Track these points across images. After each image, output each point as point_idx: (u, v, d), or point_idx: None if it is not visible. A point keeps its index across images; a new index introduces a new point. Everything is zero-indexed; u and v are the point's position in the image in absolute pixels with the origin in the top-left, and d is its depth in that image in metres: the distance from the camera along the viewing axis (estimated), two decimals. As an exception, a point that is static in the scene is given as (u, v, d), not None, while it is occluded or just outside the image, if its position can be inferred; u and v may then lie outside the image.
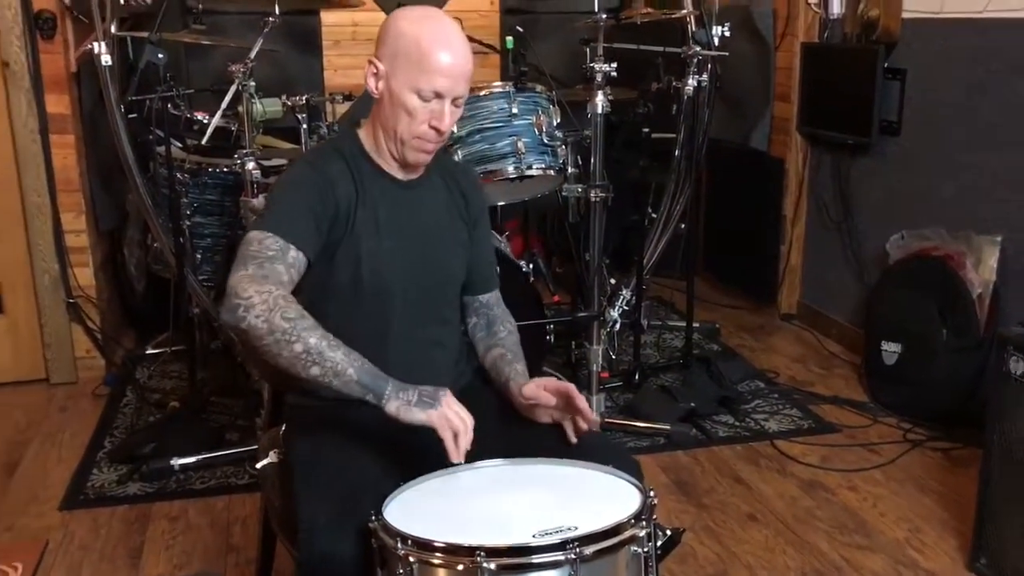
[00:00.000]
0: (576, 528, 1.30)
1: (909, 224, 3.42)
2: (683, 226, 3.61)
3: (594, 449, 1.63)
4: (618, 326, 3.47)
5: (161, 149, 3.07)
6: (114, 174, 3.54)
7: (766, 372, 3.64)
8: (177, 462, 2.84)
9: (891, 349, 3.29)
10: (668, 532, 1.47)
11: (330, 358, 1.50)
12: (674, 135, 3.57)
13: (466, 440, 1.49)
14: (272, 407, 2.11)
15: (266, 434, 1.99)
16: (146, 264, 3.77)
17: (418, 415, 1.49)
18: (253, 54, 2.79)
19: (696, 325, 3.76)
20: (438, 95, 1.64)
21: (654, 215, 3.62)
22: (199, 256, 3.40)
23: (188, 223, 3.30)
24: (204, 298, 3.28)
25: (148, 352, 3.72)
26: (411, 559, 1.29)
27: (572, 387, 1.67)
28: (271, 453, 1.87)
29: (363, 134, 1.77)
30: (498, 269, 1.99)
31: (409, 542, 1.30)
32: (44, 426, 3.21)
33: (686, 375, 3.49)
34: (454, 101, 1.67)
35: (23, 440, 3.11)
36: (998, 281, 3.04)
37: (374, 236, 1.71)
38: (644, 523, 1.35)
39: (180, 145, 3.38)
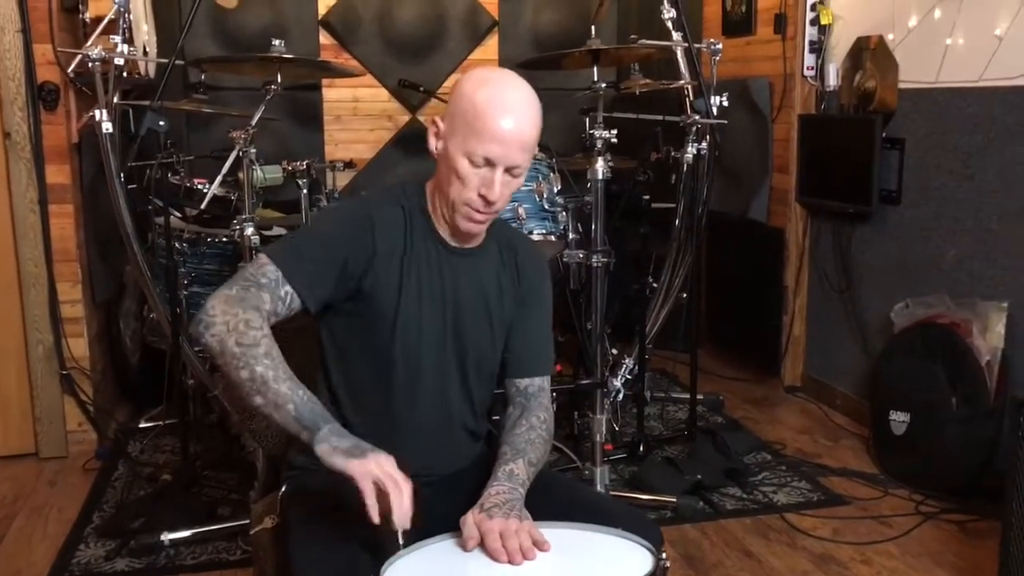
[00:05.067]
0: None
1: (912, 292, 3.40)
2: (684, 296, 3.57)
3: (609, 512, 1.56)
4: (621, 396, 3.40)
5: (160, 219, 3.06)
6: (112, 245, 3.51)
7: (772, 444, 3.56)
8: (167, 537, 2.74)
9: (899, 419, 3.23)
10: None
11: (273, 389, 1.45)
12: (674, 205, 3.56)
13: (400, 502, 1.37)
14: (267, 475, 2.06)
15: (261, 501, 1.92)
16: (141, 336, 3.73)
17: (338, 462, 1.40)
18: (255, 120, 2.79)
19: (700, 397, 3.70)
20: (489, 162, 1.56)
21: (655, 285, 3.59)
22: (195, 327, 3.35)
23: (185, 293, 3.27)
24: (200, 369, 3.21)
25: (141, 426, 3.64)
26: (411, 625, 1.22)
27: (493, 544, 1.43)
28: (266, 519, 1.80)
29: (429, 189, 1.70)
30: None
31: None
32: (31, 500, 3.12)
33: (691, 447, 3.42)
34: (509, 171, 1.57)
35: (7, 515, 3.01)
36: (1006, 347, 3.00)
37: (413, 300, 1.64)
38: (657, 584, 1.29)
39: (179, 215, 3.37)
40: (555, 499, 1.61)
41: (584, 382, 3.04)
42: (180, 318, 3.12)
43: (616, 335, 3.65)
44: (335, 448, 1.41)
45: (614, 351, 3.49)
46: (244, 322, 1.47)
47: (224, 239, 3.29)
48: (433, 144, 1.63)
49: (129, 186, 3.16)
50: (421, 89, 4.07)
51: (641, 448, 3.30)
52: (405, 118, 4.71)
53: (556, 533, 1.46)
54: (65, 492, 3.18)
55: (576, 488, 1.84)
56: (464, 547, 1.42)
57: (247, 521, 2.40)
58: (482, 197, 1.57)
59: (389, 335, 1.63)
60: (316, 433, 1.42)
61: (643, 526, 1.51)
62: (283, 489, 1.79)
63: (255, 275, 1.55)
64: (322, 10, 4.52)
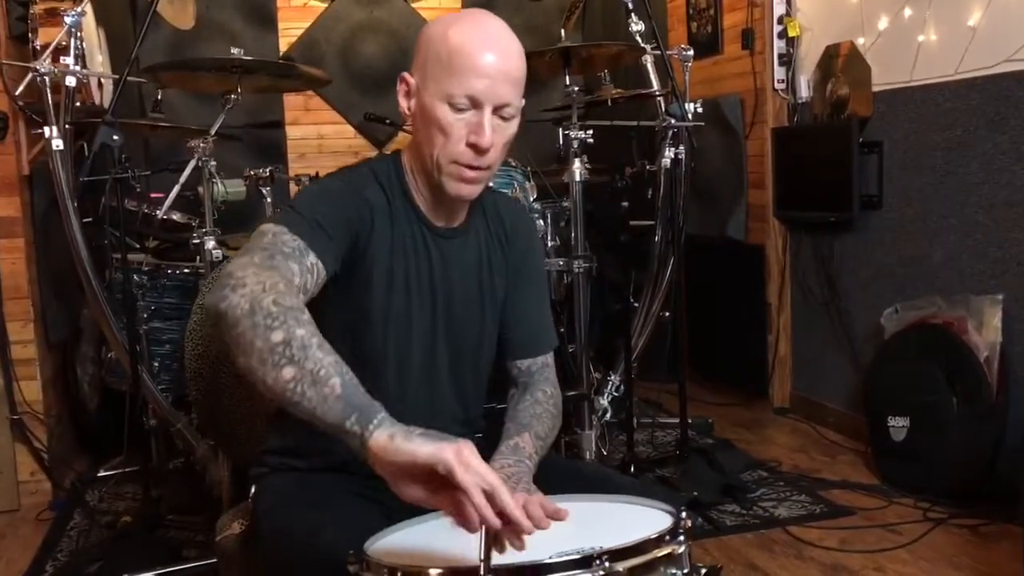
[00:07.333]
0: (602, 548, 1.08)
1: (900, 296, 3.30)
2: (667, 314, 3.45)
3: (619, 483, 1.43)
4: (608, 415, 3.25)
5: (117, 255, 2.89)
6: (67, 283, 3.34)
7: (767, 462, 3.41)
8: (127, 580, 2.53)
9: (899, 424, 3.10)
10: (704, 570, 1.25)
11: (314, 358, 1.14)
12: (652, 221, 3.47)
13: (503, 499, 1.05)
14: (232, 494, 1.91)
15: (227, 512, 1.75)
16: (100, 380, 3.52)
17: (422, 447, 1.07)
18: (214, 130, 2.67)
19: (688, 421, 3.54)
20: (474, 102, 1.36)
21: (636, 304, 3.46)
22: (156, 364, 3.17)
23: (145, 327, 3.09)
24: (163, 405, 3.03)
25: (101, 474, 3.42)
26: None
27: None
28: (234, 525, 1.63)
29: (405, 161, 1.49)
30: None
31: (399, 575, 1.06)
32: (-21, 554, 2.89)
33: (685, 466, 3.25)
34: (498, 111, 1.37)
35: (-47, 570, 2.78)
36: (1004, 341, 2.89)
37: (401, 293, 1.45)
38: (681, 539, 1.13)
39: (137, 245, 3.21)
40: (560, 475, 1.45)
41: (570, 393, 2.88)
42: (140, 354, 2.95)
43: (598, 358, 3.51)
44: (408, 433, 1.09)
45: (597, 374, 3.35)
46: (284, 286, 1.23)
47: (186, 270, 3.13)
48: (405, 104, 1.44)
49: (84, 220, 3.01)
50: (387, 122, 3.97)
51: (632, 468, 3.13)
52: (371, 154, 4.60)
53: (563, 504, 1.30)
54: (16, 543, 2.95)
55: (583, 464, 1.69)
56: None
57: (214, 560, 2.21)
58: (472, 146, 1.37)
59: (379, 332, 1.45)
60: (373, 418, 1.11)
61: (659, 493, 1.36)
62: (252, 490, 1.62)
63: (275, 244, 1.30)
64: (284, 47, 4.45)
